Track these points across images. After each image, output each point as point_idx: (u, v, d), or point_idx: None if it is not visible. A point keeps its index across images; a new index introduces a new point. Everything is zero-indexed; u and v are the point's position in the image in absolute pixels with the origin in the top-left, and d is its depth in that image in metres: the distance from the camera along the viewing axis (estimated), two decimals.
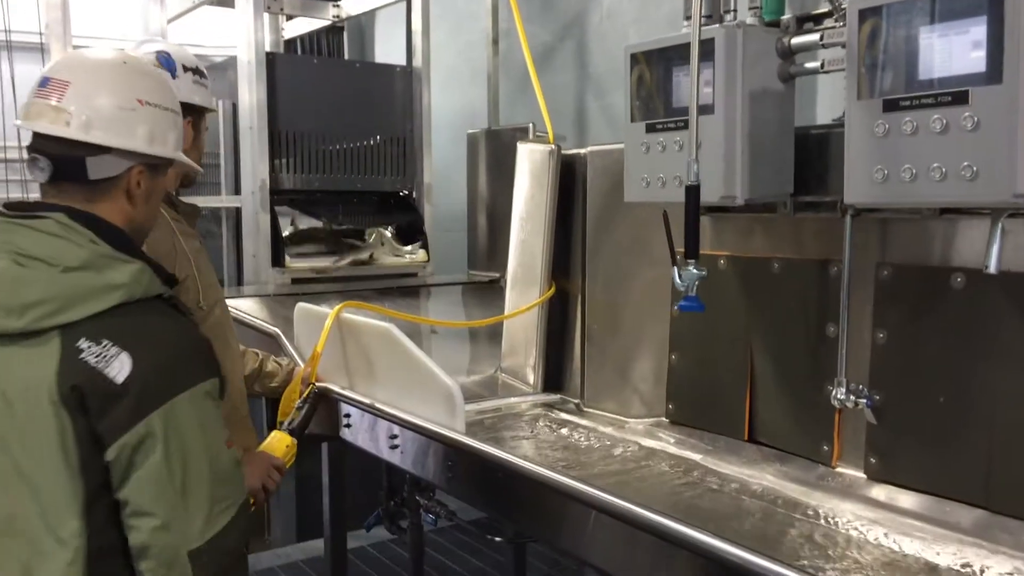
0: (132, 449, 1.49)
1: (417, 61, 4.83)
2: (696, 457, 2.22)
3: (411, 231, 4.68)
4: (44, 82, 1.64)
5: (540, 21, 4.79)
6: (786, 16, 2.07)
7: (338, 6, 5.32)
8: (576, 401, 2.69)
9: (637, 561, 1.74)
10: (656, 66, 2.13)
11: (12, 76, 4.89)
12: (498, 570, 4.42)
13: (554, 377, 2.79)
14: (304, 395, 2.56)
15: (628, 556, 1.77)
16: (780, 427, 2.16)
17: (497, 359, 3.04)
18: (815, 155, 2.05)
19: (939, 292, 1.82)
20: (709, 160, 1.95)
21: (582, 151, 2.70)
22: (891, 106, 1.66)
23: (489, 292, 4.23)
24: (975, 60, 1.54)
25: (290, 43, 5.72)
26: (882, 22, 1.67)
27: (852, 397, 1.93)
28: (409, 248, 4.62)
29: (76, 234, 1.57)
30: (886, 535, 1.74)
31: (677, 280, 1.94)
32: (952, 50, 1.57)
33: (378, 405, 2.49)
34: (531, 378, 2.81)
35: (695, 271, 1.93)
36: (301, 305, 2.94)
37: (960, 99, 1.56)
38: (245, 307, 3.66)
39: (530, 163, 2.86)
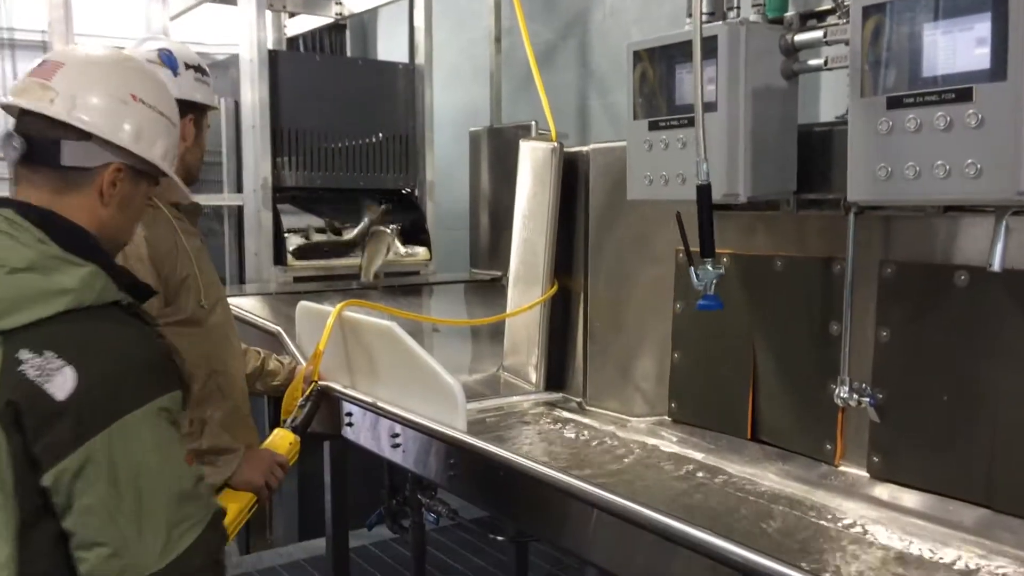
0: (72, 475, 1.35)
1: (419, 58, 4.83)
2: (698, 456, 2.21)
3: (414, 229, 4.68)
4: (40, 64, 1.57)
5: (543, 19, 4.79)
6: (789, 13, 2.06)
7: (340, 3, 5.32)
8: (578, 400, 2.68)
9: (639, 560, 1.74)
10: (659, 64, 2.12)
11: (15, 74, 4.89)
12: (500, 569, 4.42)
13: (556, 375, 2.78)
14: (307, 393, 2.56)
15: (630, 555, 1.76)
16: (783, 426, 2.15)
17: (499, 357, 3.03)
18: (818, 152, 2.04)
19: (942, 290, 1.81)
20: (712, 157, 1.94)
21: (584, 149, 2.69)
22: (895, 103, 1.65)
23: (491, 290, 4.22)
24: (979, 57, 1.53)
25: (292, 41, 5.72)
26: (886, 19, 1.66)
27: (855, 395, 1.92)
28: (408, 250, 4.62)
29: (24, 232, 1.45)
30: (889, 534, 1.73)
31: (695, 280, 1.93)
32: (956, 47, 1.56)
33: (380, 404, 2.49)
34: (533, 376, 2.80)
35: (712, 269, 1.92)
36: (303, 304, 2.94)
37: (964, 96, 1.55)
38: (247, 305, 3.66)
39: (532, 161, 2.85)
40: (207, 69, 2.39)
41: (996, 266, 1.63)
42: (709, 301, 1.95)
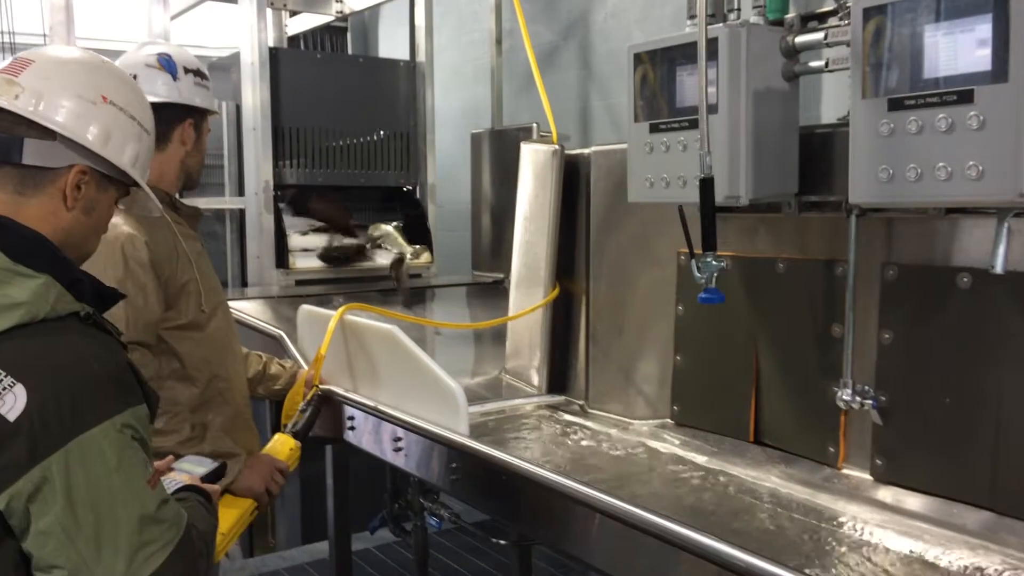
0: (27, 498, 1.28)
1: (420, 56, 4.83)
2: (701, 459, 2.21)
3: (415, 229, 4.68)
4: (10, 61, 1.51)
5: (544, 20, 4.78)
6: (790, 15, 2.06)
7: (341, 1, 5.32)
8: (580, 402, 2.68)
9: (641, 564, 1.73)
10: (660, 66, 2.12)
11: None
12: (503, 572, 4.41)
13: (558, 378, 2.78)
14: (307, 398, 2.56)
15: (632, 559, 1.75)
16: (786, 428, 2.15)
17: (501, 360, 3.03)
18: (820, 154, 2.04)
19: (945, 292, 1.81)
20: (713, 160, 1.94)
21: (586, 151, 2.69)
22: (896, 105, 1.64)
23: (493, 293, 4.22)
24: (980, 58, 1.53)
25: (293, 40, 5.72)
26: (887, 20, 1.66)
27: (858, 398, 1.92)
28: (415, 249, 4.61)
29: None
30: (892, 537, 1.73)
31: (696, 272, 1.93)
32: (957, 48, 1.56)
33: (382, 407, 2.49)
34: (535, 379, 2.80)
35: (714, 262, 1.91)
36: (305, 307, 2.93)
37: (965, 98, 1.54)
38: (249, 309, 3.65)
39: (533, 163, 2.85)
40: (207, 73, 2.39)
41: (999, 268, 1.62)
42: (711, 294, 1.95)
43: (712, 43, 1.94)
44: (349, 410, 2.67)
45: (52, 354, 1.35)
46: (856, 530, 1.77)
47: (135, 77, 2.25)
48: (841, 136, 1.90)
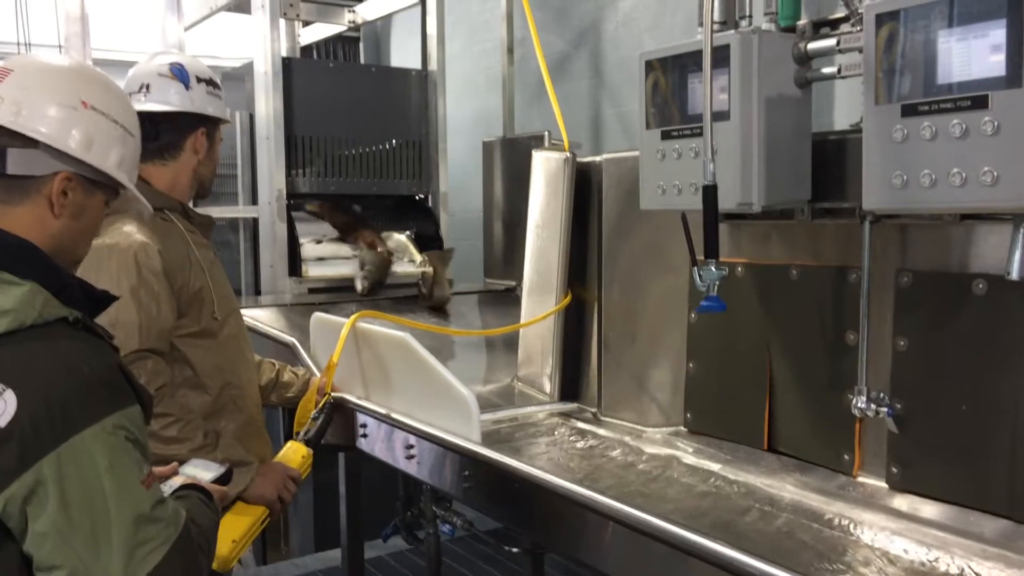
0: (22, 500, 1.30)
1: (432, 65, 4.85)
2: (715, 467, 2.20)
3: (428, 239, 4.69)
4: None
5: (555, 29, 4.79)
6: (802, 21, 2.06)
7: (354, 11, 5.35)
8: (593, 410, 2.67)
9: (655, 572, 1.72)
10: (671, 73, 2.12)
11: None
12: None
13: (571, 386, 2.77)
14: (320, 405, 2.56)
15: (646, 567, 1.75)
16: (800, 436, 2.13)
17: (514, 368, 3.03)
18: (833, 161, 2.03)
19: (960, 299, 1.80)
20: (726, 167, 1.94)
21: (597, 159, 2.69)
22: (909, 111, 1.64)
23: (505, 301, 4.22)
24: (995, 64, 1.52)
25: (306, 50, 5.76)
26: (900, 26, 1.65)
27: (873, 406, 1.91)
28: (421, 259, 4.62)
29: None
30: (908, 546, 1.71)
31: (698, 280, 1.93)
32: (971, 54, 1.55)
33: (394, 415, 2.49)
34: (548, 387, 2.80)
35: (715, 270, 1.91)
36: (317, 315, 2.94)
37: (980, 103, 1.54)
38: (262, 317, 3.66)
39: (545, 171, 2.85)
40: (219, 82, 2.40)
41: (1015, 274, 1.61)
42: (712, 303, 1.95)
43: (724, 50, 1.94)
44: (362, 418, 2.67)
45: (41, 359, 1.36)
46: (872, 538, 1.76)
47: (148, 87, 2.27)
48: (854, 142, 1.90)
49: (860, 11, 1.84)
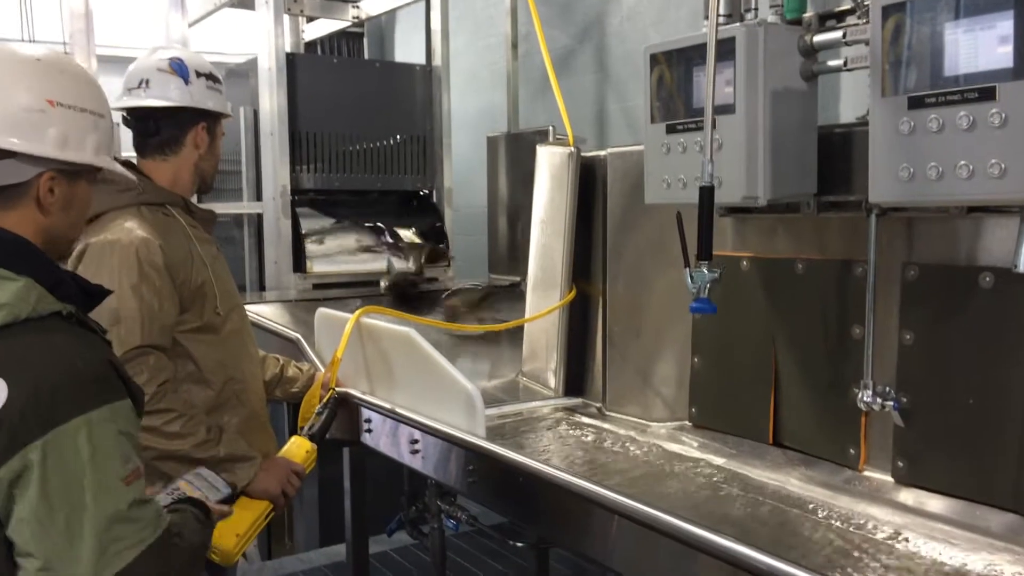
0: (9, 485, 1.35)
1: (436, 60, 4.84)
2: (720, 461, 2.19)
3: (433, 235, 4.69)
4: None
5: (559, 24, 4.78)
6: (808, 14, 2.04)
7: (358, 7, 5.34)
8: (598, 405, 2.67)
9: (660, 567, 1.72)
10: (676, 66, 2.11)
11: None
12: (521, 575, 4.40)
13: (576, 381, 2.77)
14: (324, 400, 2.56)
15: (651, 562, 1.74)
16: (805, 430, 2.13)
17: (518, 363, 3.03)
18: (839, 154, 2.02)
19: (967, 292, 1.79)
20: (731, 160, 1.93)
21: (602, 153, 2.68)
22: (916, 103, 1.63)
23: (510, 296, 4.21)
24: (1002, 55, 1.51)
25: (310, 46, 5.76)
26: (906, 18, 1.64)
27: (879, 399, 1.90)
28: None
29: None
30: (915, 540, 1.71)
31: (689, 281, 1.92)
32: (978, 45, 1.54)
33: (398, 410, 2.48)
34: (552, 382, 2.79)
35: (707, 272, 1.90)
36: (322, 310, 2.94)
37: (987, 95, 1.53)
38: (267, 313, 3.67)
39: (550, 166, 2.85)
40: (219, 77, 2.39)
41: (1022, 267, 1.60)
42: (701, 304, 1.93)
43: (729, 43, 1.93)
44: (366, 412, 2.67)
45: (33, 351, 1.40)
46: (877, 533, 1.75)
47: (147, 82, 2.27)
48: (860, 135, 1.89)
49: (866, 3, 1.83)
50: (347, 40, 6.17)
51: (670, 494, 2.00)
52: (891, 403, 1.89)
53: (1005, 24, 1.50)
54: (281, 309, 3.88)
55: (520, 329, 2.99)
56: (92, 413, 1.39)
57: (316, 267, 4.36)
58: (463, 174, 5.06)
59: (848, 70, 1.99)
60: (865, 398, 1.91)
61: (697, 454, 2.25)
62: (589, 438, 2.40)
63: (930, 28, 1.61)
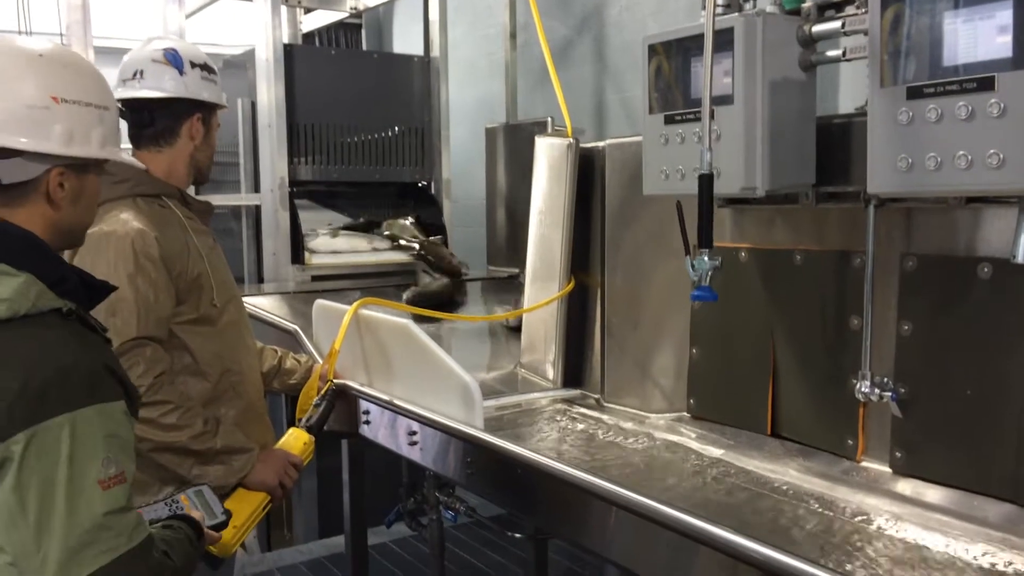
0: None
1: (435, 51, 4.83)
2: (718, 452, 2.19)
3: (431, 227, 4.68)
4: None
5: (558, 15, 4.76)
6: (807, 4, 2.03)
7: None
8: (596, 396, 2.67)
9: (658, 558, 1.72)
10: (674, 57, 2.10)
11: None
12: (520, 566, 4.41)
13: (574, 372, 2.77)
14: (322, 392, 2.56)
15: (649, 553, 1.74)
16: (803, 421, 2.13)
17: (516, 355, 3.03)
18: (837, 144, 2.02)
19: (965, 283, 1.79)
20: (729, 151, 1.93)
21: (600, 144, 2.67)
22: (915, 93, 1.62)
23: (509, 287, 4.21)
24: (1001, 45, 1.51)
25: (308, 37, 5.73)
26: (905, 8, 1.63)
27: (877, 390, 1.90)
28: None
29: None
30: (912, 530, 1.71)
31: (690, 270, 1.92)
32: (977, 35, 1.54)
33: (397, 402, 2.48)
34: (551, 373, 2.79)
35: (708, 260, 1.90)
36: (320, 302, 2.94)
37: (986, 85, 1.52)
38: (265, 305, 3.66)
39: (548, 157, 2.84)
40: (214, 67, 2.38)
41: (1020, 258, 1.60)
42: (703, 292, 1.93)
43: (728, 33, 1.93)
44: (364, 404, 2.67)
45: (27, 347, 1.40)
46: (875, 523, 1.75)
47: (141, 73, 2.26)
48: (859, 126, 1.88)
49: None
50: (345, 31, 6.15)
51: (668, 485, 2.00)
52: (889, 394, 1.89)
53: (1004, 14, 1.50)
54: (279, 301, 3.87)
55: (519, 321, 2.99)
56: (78, 412, 1.39)
57: (315, 259, 4.36)
58: (461, 165, 5.05)
59: (847, 60, 1.99)
60: (863, 389, 1.91)
61: (695, 445, 2.25)
62: (588, 430, 2.40)
63: (929, 18, 1.60)
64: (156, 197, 2.24)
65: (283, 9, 4.71)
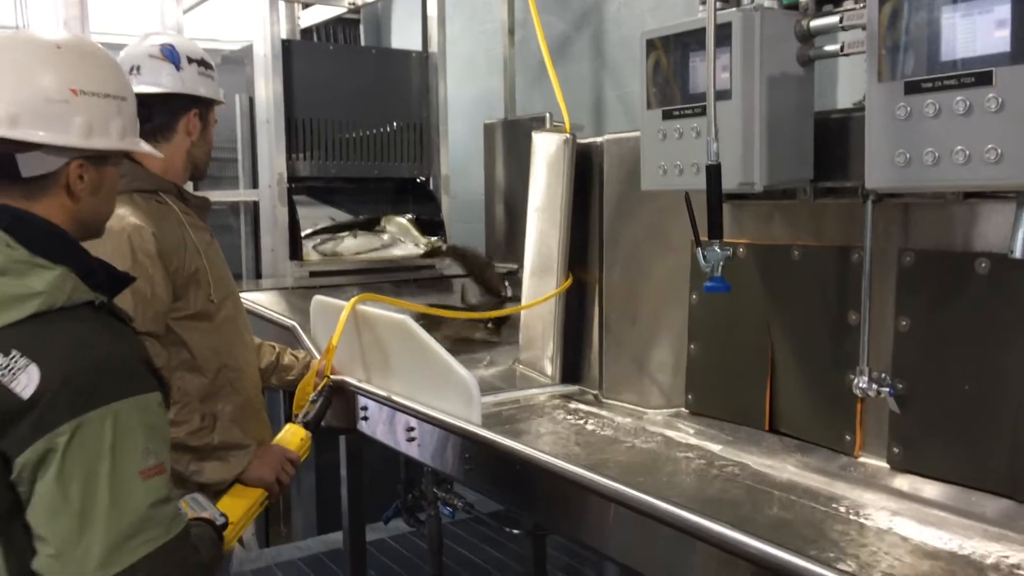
0: (33, 467, 1.36)
1: (433, 47, 4.83)
2: (716, 448, 2.19)
3: (429, 223, 4.68)
4: None
5: (556, 10, 4.76)
6: None
7: None
8: (594, 392, 2.67)
9: (656, 554, 1.72)
10: (672, 52, 2.10)
11: None
12: (518, 562, 4.41)
13: (572, 368, 2.77)
14: (319, 388, 2.56)
15: (647, 549, 1.74)
16: (801, 417, 2.13)
17: (515, 351, 3.02)
18: (835, 140, 2.01)
19: (963, 278, 1.78)
20: (727, 146, 1.92)
21: (598, 140, 2.67)
22: (913, 88, 1.62)
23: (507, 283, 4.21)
24: (999, 40, 1.50)
25: (306, 33, 5.72)
26: (903, 2, 1.63)
27: (875, 386, 1.90)
28: (430, 240, 4.61)
29: None
30: (909, 525, 1.71)
31: (702, 261, 1.91)
32: (975, 30, 1.53)
33: (395, 398, 2.48)
34: (549, 369, 2.79)
35: (719, 251, 1.90)
36: (317, 298, 2.93)
37: (984, 80, 1.52)
38: (263, 300, 3.66)
39: (546, 153, 2.84)
40: (211, 63, 2.38)
41: (1018, 253, 1.60)
42: (716, 283, 1.93)
43: (726, 28, 1.92)
44: (363, 400, 2.67)
45: (66, 339, 1.41)
46: (873, 518, 1.75)
47: (138, 68, 2.25)
48: (857, 121, 1.88)
49: None
50: (343, 27, 6.14)
51: (666, 481, 2.00)
52: (887, 389, 1.89)
53: (1002, 8, 1.49)
54: (277, 297, 3.87)
55: (517, 317, 2.98)
56: (119, 403, 1.40)
57: (312, 255, 4.36)
58: (460, 161, 5.05)
59: (845, 55, 1.98)
60: (861, 384, 1.91)
61: (693, 441, 2.25)
62: (586, 425, 2.40)
63: (927, 12, 1.60)
64: (153, 193, 2.24)
65: (281, 5, 4.70)
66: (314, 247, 4.33)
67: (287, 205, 4.38)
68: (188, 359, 2.21)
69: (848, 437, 2.01)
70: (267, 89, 4.35)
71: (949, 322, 1.82)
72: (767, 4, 2.02)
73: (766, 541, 1.48)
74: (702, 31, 1.92)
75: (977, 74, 1.53)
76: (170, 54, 2.27)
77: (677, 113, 2.09)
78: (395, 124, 4.68)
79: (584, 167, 2.71)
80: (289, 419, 2.53)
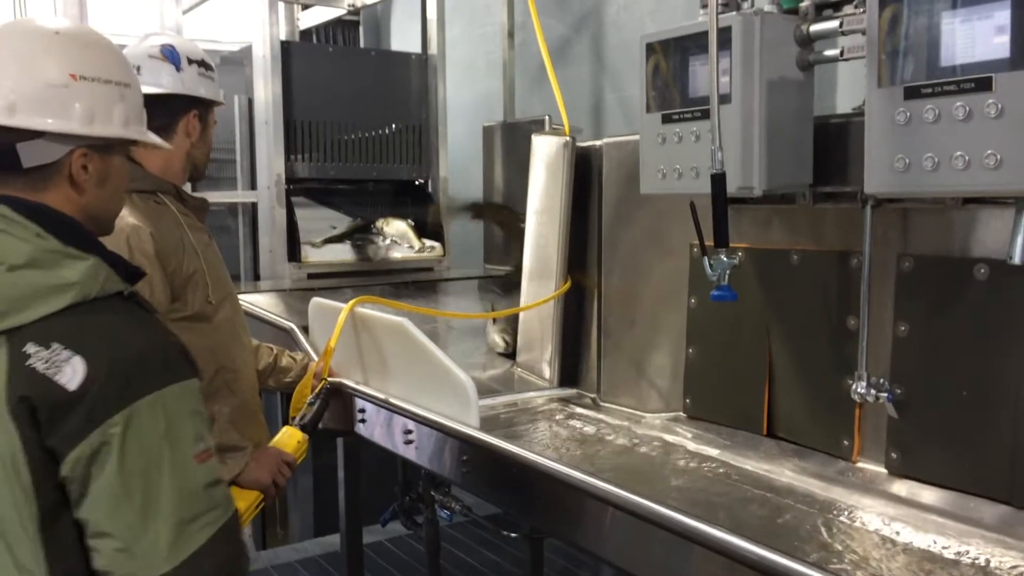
0: (87, 461, 1.33)
1: (432, 49, 4.83)
2: (714, 452, 2.19)
3: (428, 225, 4.68)
4: None
5: (556, 13, 4.76)
6: (805, 3, 2.03)
7: None
8: (592, 396, 2.67)
9: (653, 557, 1.72)
10: (672, 56, 2.10)
11: None
12: (515, 565, 4.41)
13: (570, 372, 2.77)
14: (316, 390, 2.55)
15: (644, 552, 1.74)
16: (799, 422, 2.13)
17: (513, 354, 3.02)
18: (835, 144, 2.01)
19: (962, 284, 1.78)
20: (726, 150, 1.92)
21: (597, 143, 2.67)
22: (912, 93, 1.62)
23: (505, 286, 4.20)
24: (999, 45, 1.50)
25: (305, 34, 5.73)
26: (903, 8, 1.63)
27: (873, 391, 1.90)
28: (428, 243, 4.61)
29: (19, 228, 1.40)
30: (907, 531, 1.71)
31: (708, 270, 1.91)
32: (975, 35, 1.54)
33: (392, 400, 2.48)
34: (547, 373, 2.79)
35: (726, 259, 1.90)
36: (315, 300, 2.93)
37: (983, 85, 1.52)
38: (261, 302, 3.66)
39: (545, 155, 2.84)
40: (211, 64, 2.37)
41: (1016, 259, 1.60)
42: (723, 292, 1.93)
43: (725, 32, 1.92)
44: (360, 403, 2.66)
45: (105, 330, 1.39)
46: (870, 524, 1.75)
47: (138, 69, 2.25)
48: (856, 126, 1.88)
49: None
50: (343, 28, 6.14)
51: (664, 485, 2.00)
52: (885, 394, 1.89)
53: (1002, 14, 1.50)
54: (275, 298, 3.87)
55: (515, 319, 2.98)
56: (166, 390, 1.39)
57: (311, 256, 4.36)
58: (459, 164, 5.05)
59: (845, 60, 1.98)
60: (859, 389, 1.91)
61: (691, 445, 2.25)
62: (584, 429, 2.40)
63: (927, 18, 1.60)
64: (152, 193, 2.23)
65: (281, 6, 4.71)
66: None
67: (285, 207, 4.38)
68: None
69: (846, 442, 2.01)
70: (266, 90, 4.35)
71: (948, 328, 1.82)
72: (767, 8, 2.02)
73: (763, 545, 1.47)
74: (702, 35, 1.92)
75: (977, 80, 1.53)
76: (170, 55, 2.27)
77: (676, 117, 2.09)
78: (394, 126, 4.69)
79: (583, 170, 2.71)
80: (286, 421, 2.52)
